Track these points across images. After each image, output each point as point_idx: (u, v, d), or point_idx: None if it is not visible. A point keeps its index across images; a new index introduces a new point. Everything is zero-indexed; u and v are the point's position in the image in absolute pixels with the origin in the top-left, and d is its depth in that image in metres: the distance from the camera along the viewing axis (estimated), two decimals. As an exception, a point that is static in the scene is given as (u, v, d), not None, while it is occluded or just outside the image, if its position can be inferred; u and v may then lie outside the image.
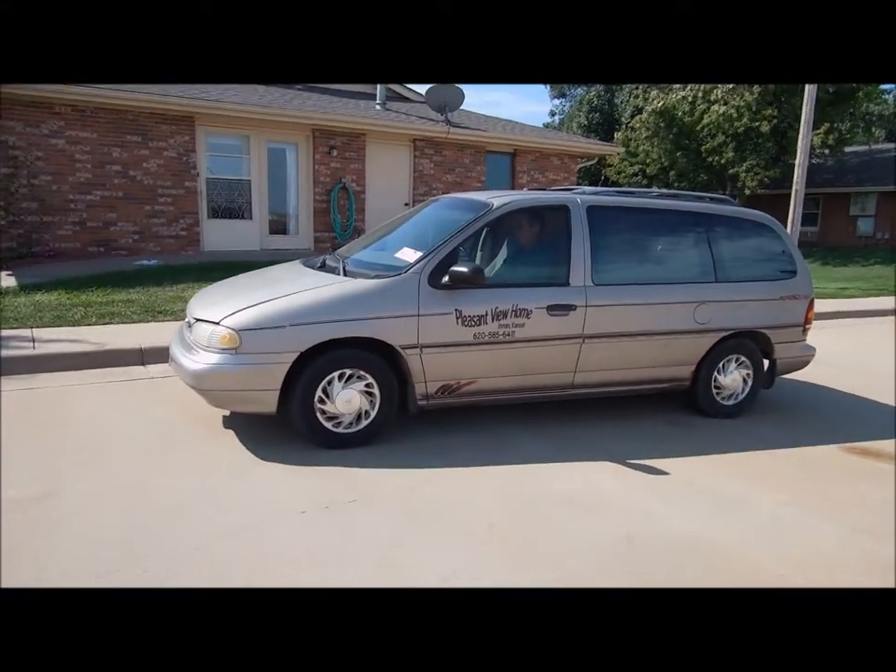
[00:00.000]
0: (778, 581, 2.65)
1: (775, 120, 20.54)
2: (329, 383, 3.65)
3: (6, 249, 9.33)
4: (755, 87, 20.21)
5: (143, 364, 5.21)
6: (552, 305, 4.04)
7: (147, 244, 10.59)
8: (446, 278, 3.77)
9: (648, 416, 4.66)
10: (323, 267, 4.29)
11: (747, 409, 4.83)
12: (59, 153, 9.78)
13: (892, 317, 9.84)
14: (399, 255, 4.07)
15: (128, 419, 4.05)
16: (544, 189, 5.12)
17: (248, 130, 11.30)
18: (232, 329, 3.54)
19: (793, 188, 11.94)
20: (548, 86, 38.43)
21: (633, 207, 4.51)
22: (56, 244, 9.87)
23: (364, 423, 3.77)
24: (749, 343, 4.75)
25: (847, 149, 24.43)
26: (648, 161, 24.77)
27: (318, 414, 3.66)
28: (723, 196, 5.28)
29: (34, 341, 5.24)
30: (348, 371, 3.67)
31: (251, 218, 11.71)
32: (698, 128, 22.06)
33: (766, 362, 4.89)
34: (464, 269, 3.73)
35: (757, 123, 20.40)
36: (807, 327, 4.98)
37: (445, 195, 5.28)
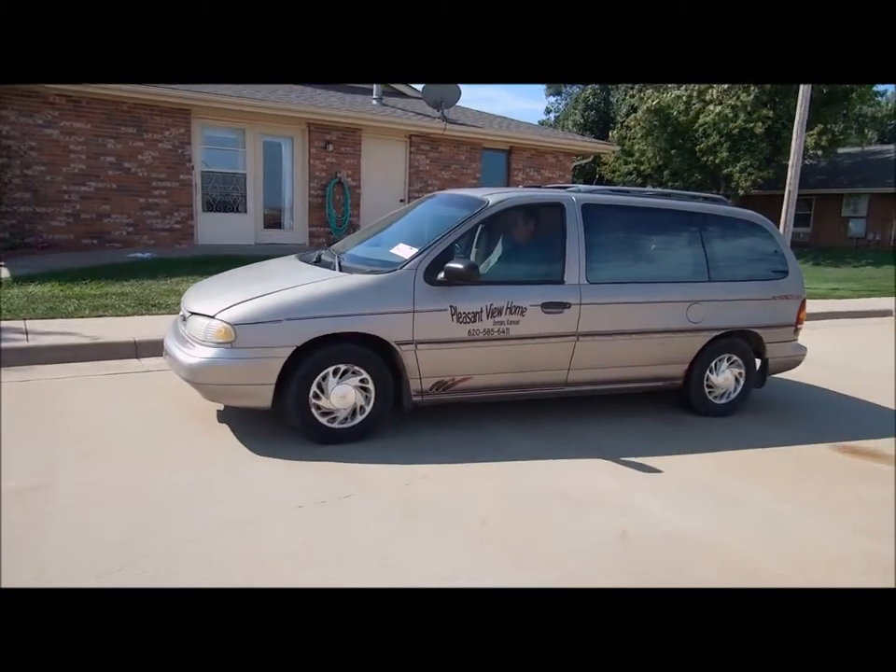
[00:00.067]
0: (778, 580, 2.66)
1: (769, 121, 20.62)
2: (324, 378, 3.65)
3: (-2, 240, 9.29)
4: (752, 87, 20.28)
5: (137, 357, 5.20)
6: (546, 303, 4.06)
7: (140, 236, 10.55)
8: (441, 275, 3.78)
9: (641, 414, 4.69)
10: (319, 262, 4.30)
11: (739, 408, 4.87)
12: (53, 143, 9.72)
13: (885, 318, 9.91)
14: (394, 251, 4.08)
15: (123, 412, 4.05)
16: (539, 187, 5.13)
17: (244, 123, 11.26)
18: (228, 323, 3.54)
19: (786, 188, 12.01)
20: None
21: (627, 206, 4.53)
22: (49, 235, 9.82)
23: (359, 418, 3.79)
24: (742, 343, 4.79)
25: (840, 151, 24.59)
26: (642, 159, 24.82)
27: (313, 409, 3.67)
28: (717, 196, 5.31)
29: (27, 332, 5.22)
30: (343, 367, 3.68)
31: (246, 212, 11.67)
32: (693, 128, 22.11)
33: (758, 361, 4.94)
34: (459, 265, 3.75)
35: (752, 124, 20.48)
36: (799, 327, 5.03)
37: (441, 191, 5.29)
